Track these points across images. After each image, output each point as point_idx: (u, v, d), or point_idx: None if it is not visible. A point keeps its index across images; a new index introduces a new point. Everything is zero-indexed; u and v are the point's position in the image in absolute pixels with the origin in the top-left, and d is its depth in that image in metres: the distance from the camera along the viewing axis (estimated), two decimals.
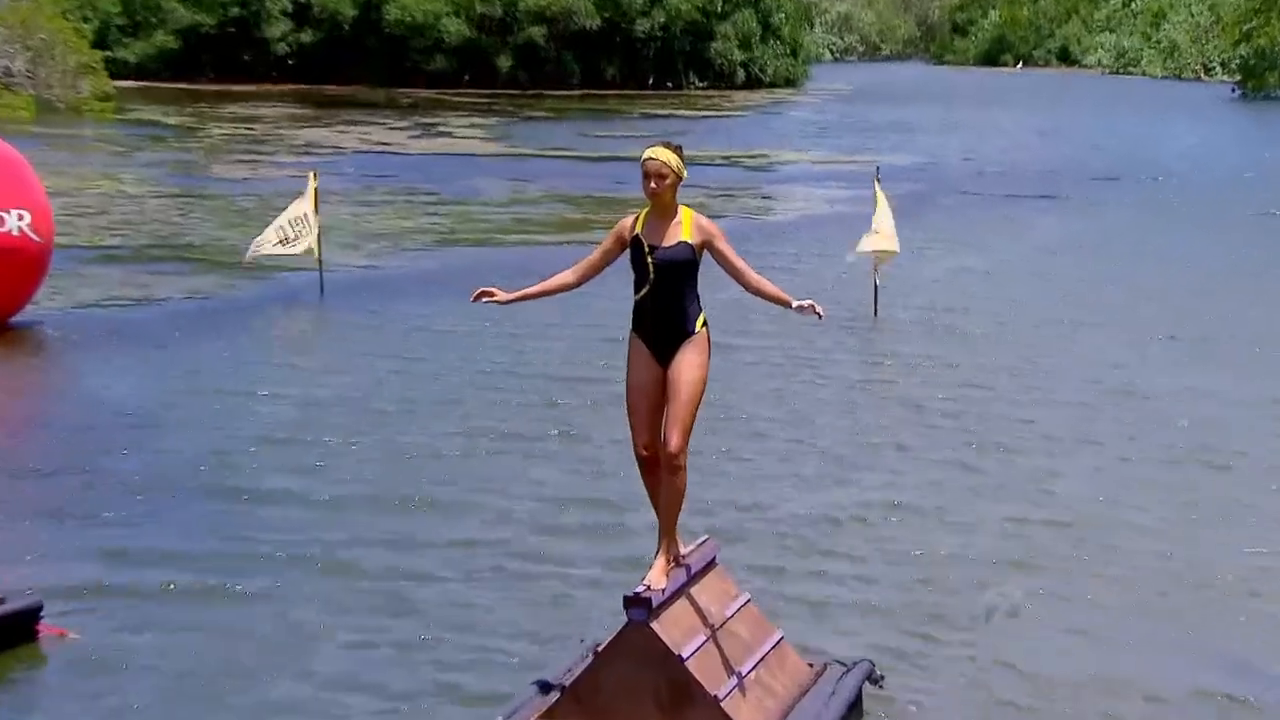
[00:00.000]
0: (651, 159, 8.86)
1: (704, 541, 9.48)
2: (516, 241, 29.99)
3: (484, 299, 9.30)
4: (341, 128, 58.02)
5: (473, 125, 61.64)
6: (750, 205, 38.33)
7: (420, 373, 18.11)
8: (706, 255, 9.03)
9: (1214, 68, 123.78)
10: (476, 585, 11.47)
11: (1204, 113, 77.17)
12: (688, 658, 8.51)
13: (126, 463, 14.28)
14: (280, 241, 22.32)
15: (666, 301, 8.90)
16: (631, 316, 9.06)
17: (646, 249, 8.84)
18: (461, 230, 31.30)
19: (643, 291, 8.93)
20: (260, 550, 12.02)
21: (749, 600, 9.48)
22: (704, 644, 8.70)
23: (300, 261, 23.23)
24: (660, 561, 8.92)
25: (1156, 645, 10.53)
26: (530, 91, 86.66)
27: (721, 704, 8.42)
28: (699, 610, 8.94)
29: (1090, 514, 13.13)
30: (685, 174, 8.96)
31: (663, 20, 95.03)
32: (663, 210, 8.85)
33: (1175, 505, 13.45)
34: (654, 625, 8.51)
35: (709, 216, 8.83)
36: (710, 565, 9.30)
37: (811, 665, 9.51)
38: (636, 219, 8.98)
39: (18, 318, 19.79)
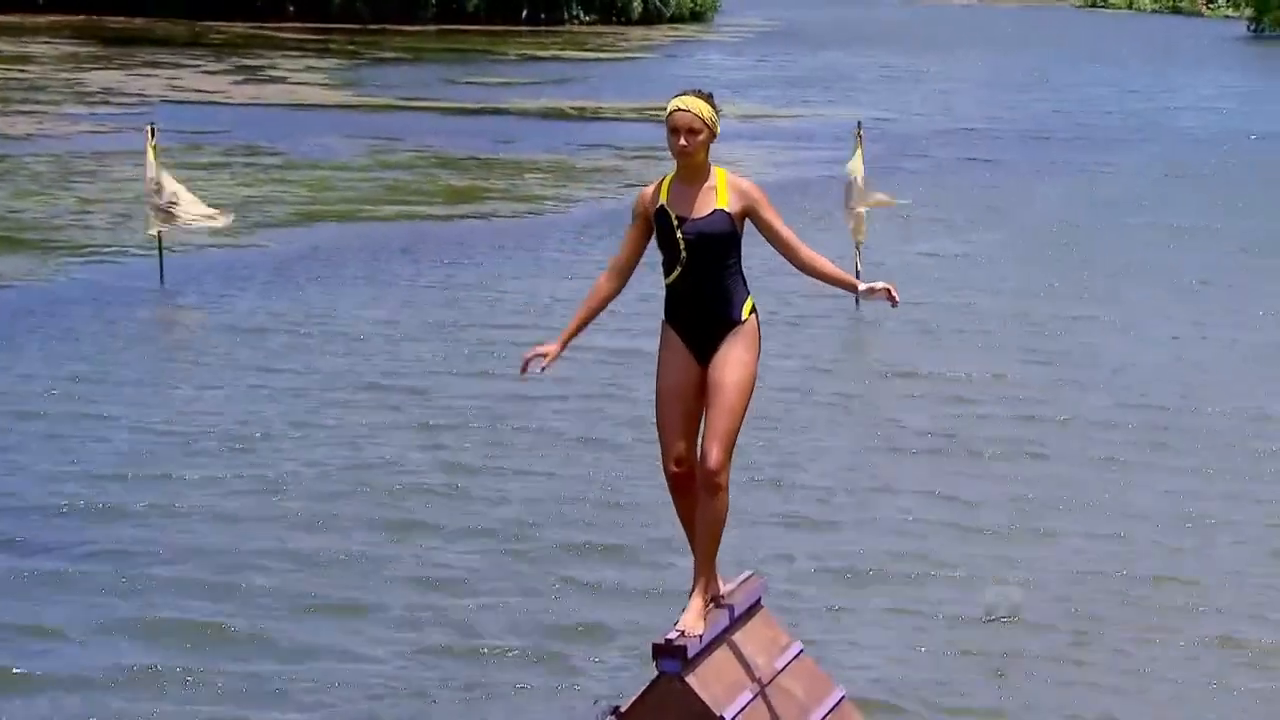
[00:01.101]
0: (682, 110, 8.87)
1: (747, 578, 9.43)
2: (393, 215, 30.11)
3: (536, 363, 9.21)
4: (142, 70, 57.61)
5: (309, 69, 61.79)
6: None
7: (284, 387, 18.24)
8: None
9: (1218, 2, 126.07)
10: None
11: (1221, 54, 78.35)
12: (733, 718, 8.60)
13: None
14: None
15: (704, 285, 8.91)
16: (665, 302, 9.06)
17: (675, 221, 8.83)
18: (322, 200, 31.10)
19: (674, 274, 8.90)
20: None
21: (801, 651, 9.49)
22: (750, 702, 8.76)
23: (125, 241, 23.71)
24: (696, 602, 8.91)
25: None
26: (373, 26, 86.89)
27: None
28: (743, 661, 8.97)
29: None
30: (719, 129, 9.00)
31: None
32: (693, 173, 8.88)
33: None
34: (690, 679, 8.54)
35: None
36: (755, 607, 9.31)
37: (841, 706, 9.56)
38: (659, 186, 8.96)
39: None
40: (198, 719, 10.67)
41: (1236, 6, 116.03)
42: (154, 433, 16.39)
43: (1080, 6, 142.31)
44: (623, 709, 8.84)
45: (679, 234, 8.73)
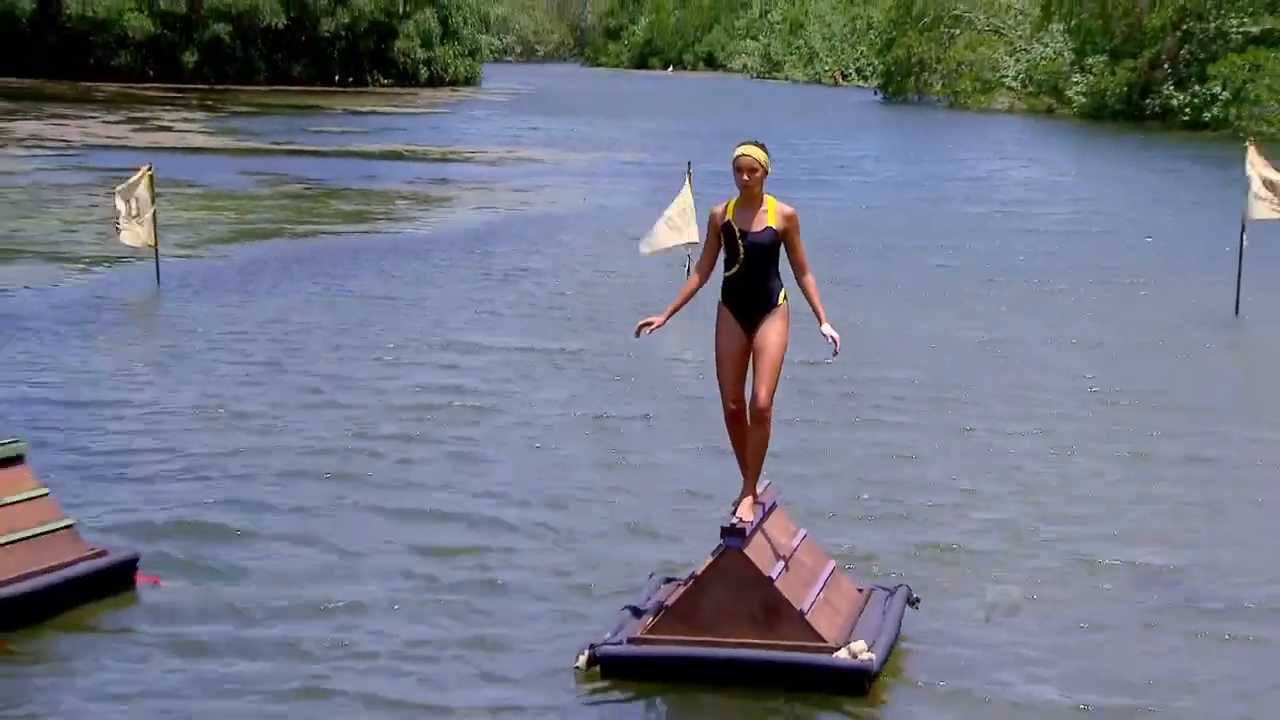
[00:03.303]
0: (745, 155, 9.39)
1: (767, 485, 9.84)
2: (305, 232, 29.60)
3: (646, 330, 9.81)
4: (53, 121, 55.93)
5: (186, 120, 60.22)
6: (518, 195, 37.49)
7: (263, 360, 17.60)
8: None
9: (850, 74, 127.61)
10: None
11: (860, 117, 78.45)
12: (776, 579, 9.06)
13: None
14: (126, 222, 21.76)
15: (754, 278, 9.40)
16: (721, 290, 9.52)
17: (738, 233, 9.34)
18: (247, 222, 30.39)
19: (733, 270, 9.41)
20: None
21: (806, 534, 9.97)
22: (784, 569, 9.24)
23: (117, 250, 22.95)
24: (748, 499, 9.42)
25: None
26: (218, 87, 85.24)
27: (806, 618, 8.95)
28: (772, 542, 9.43)
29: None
30: (771, 169, 9.50)
31: (347, 20, 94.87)
32: (751, 199, 9.39)
33: None
34: (747, 552, 9.04)
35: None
36: (773, 506, 9.78)
37: (860, 590, 9.98)
38: (726, 207, 9.47)
39: None
40: None
41: (865, 79, 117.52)
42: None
43: (753, 78, 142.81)
44: (698, 574, 9.30)
45: (740, 242, 9.30)
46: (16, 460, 10.13)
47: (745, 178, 9.37)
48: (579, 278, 24.28)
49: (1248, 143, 21.69)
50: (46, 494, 10.23)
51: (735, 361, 9.53)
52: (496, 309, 21.14)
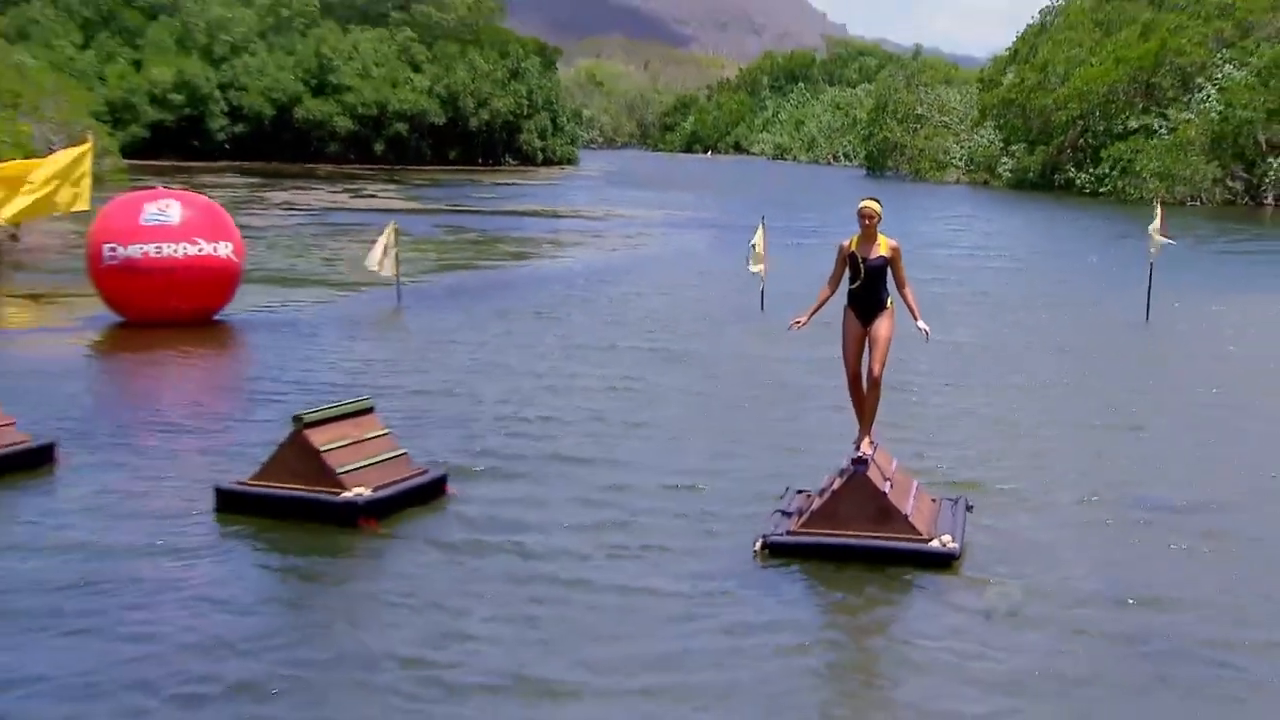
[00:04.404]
0: (867, 206, 9.55)
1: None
2: (488, 266, 29.54)
3: (795, 325, 9.86)
4: (295, 191, 55.82)
5: (381, 190, 59.93)
6: (624, 242, 37.35)
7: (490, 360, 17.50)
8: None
9: (840, 156, 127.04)
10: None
11: (850, 187, 76.35)
12: (887, 493, 9.26)
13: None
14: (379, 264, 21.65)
15: (871, 290, 9.56)
16: (847, 297, 9.64)
17: (860, 260, 9.53)
18: (447, 260, 30.17)
19: (856, 284, 9.55)
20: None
21: (898, 462, 10.11)
22: (890, 486, 9.41)
23: (365, 278, 22.77)
24: (866, 439, 9.64)
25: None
26: (398, 166, 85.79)
27: (908, 519, 9.15)
28: (881, 468, 9.58)
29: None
30: (883, 216, 9.57)
31: (487, 118, 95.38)
32: (869, 236, 9.53)
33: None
34: (868, 474, 9.26)
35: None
36: (876, 445, 9.84)
37: (934, 500, 10.01)
38: (851, 241, 9.57)
39: (222, 314, 19.64)
40: None
41: (850, 159, 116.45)
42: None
43: (769, 159, 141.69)
44: (835, 489, 9.29)
45: (861, 265, 9.44)
46: (369, 410, 10.47)
47: (866, 221, 9.52)
48: (671, 296, 24.13)
49: (1156, 203, 21.88)
50: (388, 433, 10.51)
51: (856, 345, 9.64)
52: (621, 319, 21.01)
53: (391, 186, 63.63)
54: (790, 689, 7.11)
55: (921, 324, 9.81)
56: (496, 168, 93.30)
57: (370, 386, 14.07)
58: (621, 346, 18.02)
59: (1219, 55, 66.05)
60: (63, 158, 20.71)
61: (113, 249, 18.35)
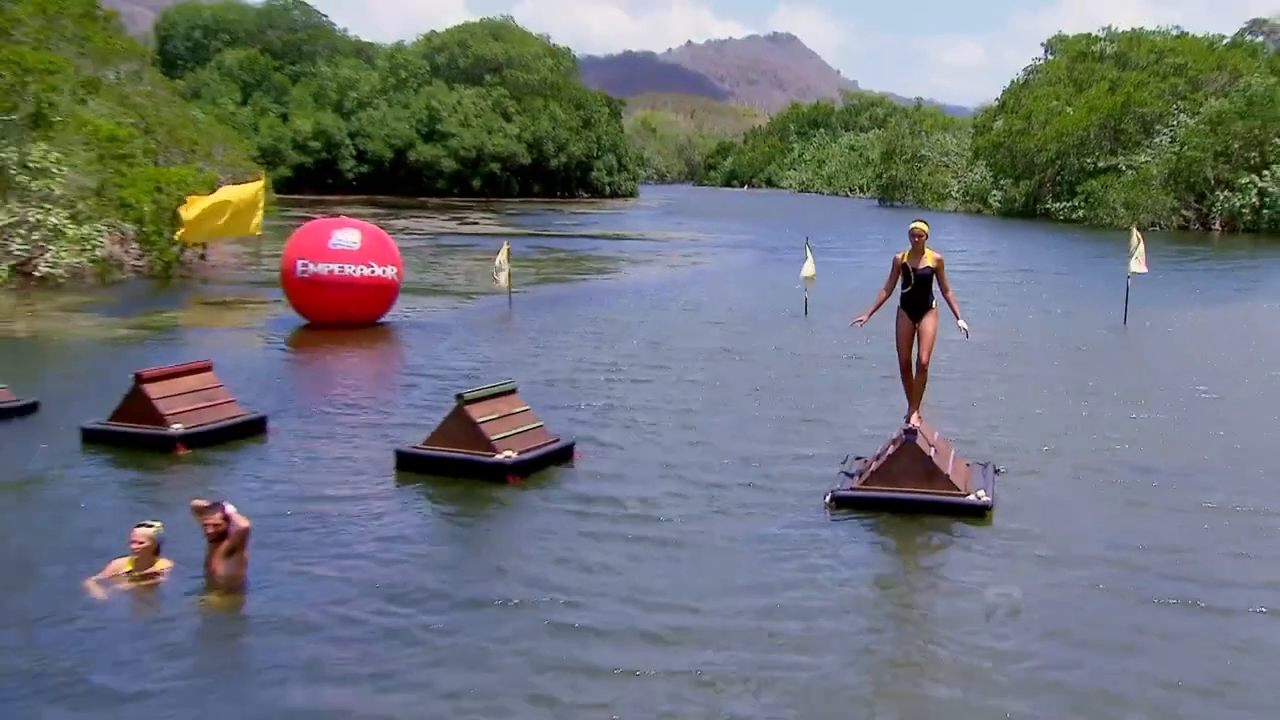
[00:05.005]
0: (917, 227, 9.65)
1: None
2: (574, 280, 29.37)
3: (857, 323, 9.91)
4: (411, 219, 55.60)
5: (481, 218, 59.67)
6: (683, 260, 37.05)
7: (604, 346, 17.78)
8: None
9: (855, 189, 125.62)
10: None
11: (865, 215, 75.46)
12: (933, 456, 9.33)
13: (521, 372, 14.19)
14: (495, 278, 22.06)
15: (920, 294, 9.69)
16: (900, 300, 9.74)
17: (911, 269, 9.66)
18: (542, 274, 30.00)
19: (908, 289, 9.67)
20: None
21: (938, 433, 10.16)
22: (934, 451, 9.49)
23: (481, 289, 23.08)
24: (915, 414, 9.78)
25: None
26: (493, 199, 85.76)
27: (950, 477, 9.21)
28: (926, 436, 9.62)
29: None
30: (930, 233, 9.63)
31: (565, 160, 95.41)
32: (919, 250, 9.64)
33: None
34: (917, 442, 9.31)
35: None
36: (920, 419, 9.97)
37: (968, 464, 10.07)
38: (904, 255, 9.66)
39: (384, 319, 19.78)
40: None
41: (864, 191, 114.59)
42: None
43: (796, 192, 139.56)
44: (890, 454, 9.25)
45: (912, 274, 9.48)
46: (513, 391, 10.75)
47: (916, 239, 9.61)
48: (727, 304, 23.84)
49: (1135, 231, 21.83)
50: (528, 409, 10.73)
51: (907, 339, 9.76)
52: (687, 323, 20.78)
53: (488, 215, 63.49)
54: (854, 609, 7.32)
55: (961, 323, 9.96)
56: (572, 200, 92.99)
57: (496, 374, 14.05)
58: (690, 346, 17.97)
59: (1174, 106, 65.31)
60: (241, 191, 21.42)
61: (304, 265, 18.76)
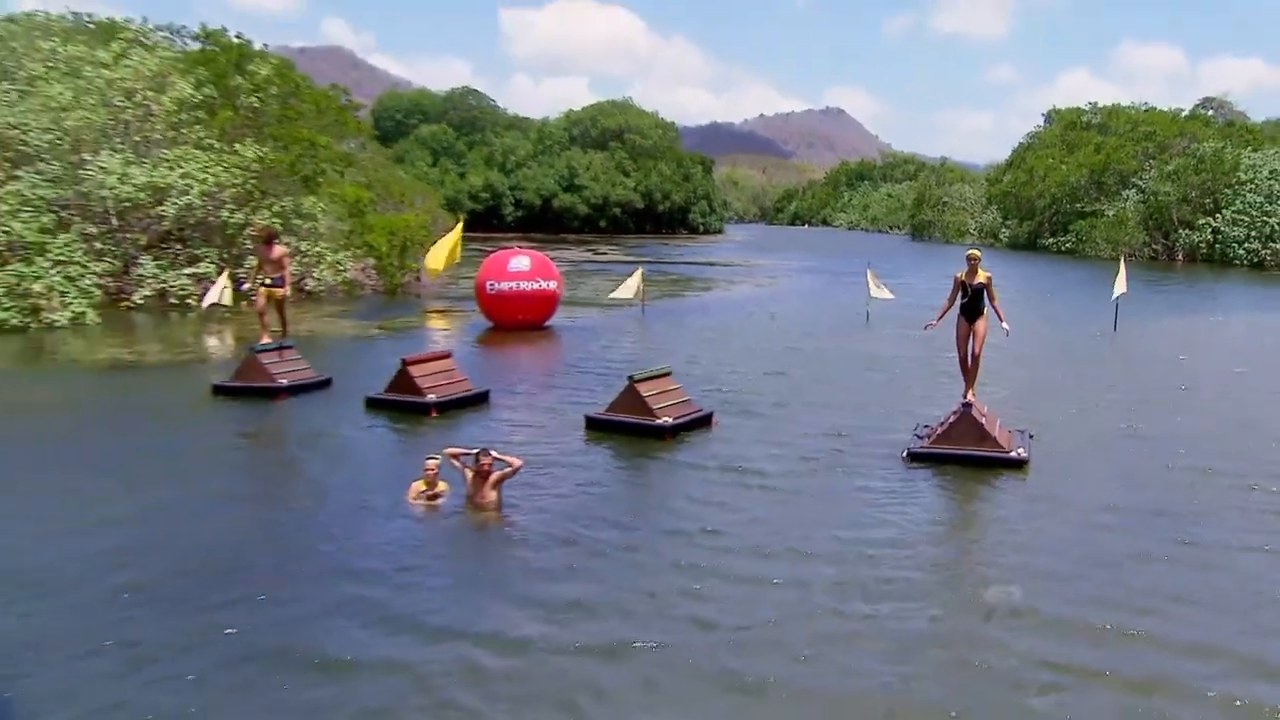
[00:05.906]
0: (974, 255, 9.38)
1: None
2: (686, 296, 28.76)
3: (928, 329, 9.67)
4: (557, 250, 52.99)
5: (610, 250, 58.36)
6: (764, 280, 35.65)
7: (723, 344, 17.09)
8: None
9: (892, 227, 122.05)
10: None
11: (900, 248, 72.10)
12: (984, 423, 9.18)
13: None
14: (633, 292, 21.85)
15: (975, 303, 9.46)
16: (959, 308, 9.49)
17: (967, 285, 9.44)
18: (666, 290, 29.43)
19: (966, 299, 9.44)
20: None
21: (987, 406, 9.92)
22: (985, 419, 9.32)
23: (617, 301, 22.61)
24: (970, 391, 9.49)
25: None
26: (614, 236, 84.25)
27: (997, 439, 9.06)
28: (978, 407, 9.43)
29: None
30: (983, 257, 9.33)
31: (669, 205, 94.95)
32: (974, 270, 9.40)
33: None
34: (973, 412, 9.22)
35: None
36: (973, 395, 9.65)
37: (1009, 431, 9.69)
38: (963, 274, 9.39)
39: (547, 323, 19.78)
40: None
41: (899, 229, 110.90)
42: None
43: (846, 230, 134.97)
44: (953, 421, 9.06)
45: (968, 288, 9.18)
46: (669, 373, 10.86)
47: (972, 261, 9.33)
48: (803, 314, 23.25)
49: (1122, 262, 21.26)
50: (679, 387, 10.78)
51: (964, 337, 9.52)
52: (775, 328, 20.32)
53: (613, 248, 63.01)
54: (926, 541, 7.39)
55: (1005, 325, 9.77)
56: (675, 235, 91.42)
57: (643, 363, 13.69)
58: (779, 346, 17.65)
59: (1145, 164, 63.03)
60: (452, 235, 22.08)
61: (492, 284, 19.26)
